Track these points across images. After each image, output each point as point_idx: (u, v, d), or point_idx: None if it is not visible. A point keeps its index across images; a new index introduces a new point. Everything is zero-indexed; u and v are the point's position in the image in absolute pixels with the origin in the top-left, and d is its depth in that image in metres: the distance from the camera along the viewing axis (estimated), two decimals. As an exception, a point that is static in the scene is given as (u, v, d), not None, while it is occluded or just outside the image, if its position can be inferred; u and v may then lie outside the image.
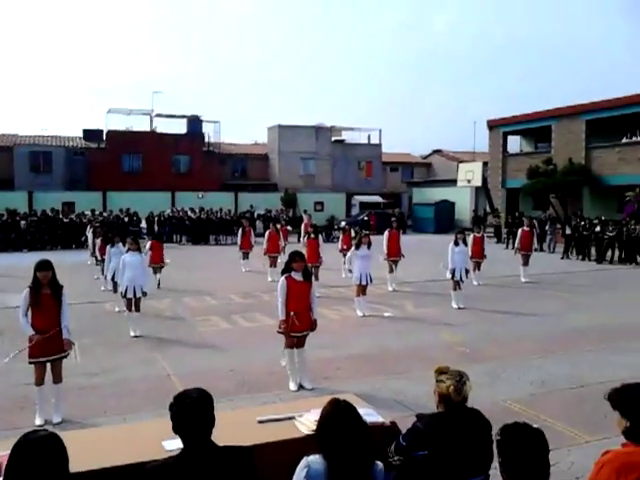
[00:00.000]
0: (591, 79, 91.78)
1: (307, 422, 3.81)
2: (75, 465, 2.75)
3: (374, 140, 45.37)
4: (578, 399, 6.74)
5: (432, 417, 3.40)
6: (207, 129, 41.08)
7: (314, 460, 2.96)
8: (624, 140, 28.89)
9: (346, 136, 45.26)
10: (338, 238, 18.95)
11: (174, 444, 3.22)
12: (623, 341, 9.38)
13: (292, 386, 7.02)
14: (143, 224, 28.63)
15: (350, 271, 12.09)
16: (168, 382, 7.21)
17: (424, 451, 3.28)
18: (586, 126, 29.79)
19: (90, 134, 39.17)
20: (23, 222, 26.79)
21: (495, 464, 2.92)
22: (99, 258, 14.85)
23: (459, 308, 12.11)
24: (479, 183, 32.94)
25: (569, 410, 6.34)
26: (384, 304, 12.56)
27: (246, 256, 18.28)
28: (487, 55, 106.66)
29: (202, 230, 30.08)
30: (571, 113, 30.39)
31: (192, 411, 2.75)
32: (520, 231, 17.11)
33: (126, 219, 28.63)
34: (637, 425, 2.75)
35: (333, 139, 43.53)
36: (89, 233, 19.24)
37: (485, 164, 34.66)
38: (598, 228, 21.77)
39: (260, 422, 3.92)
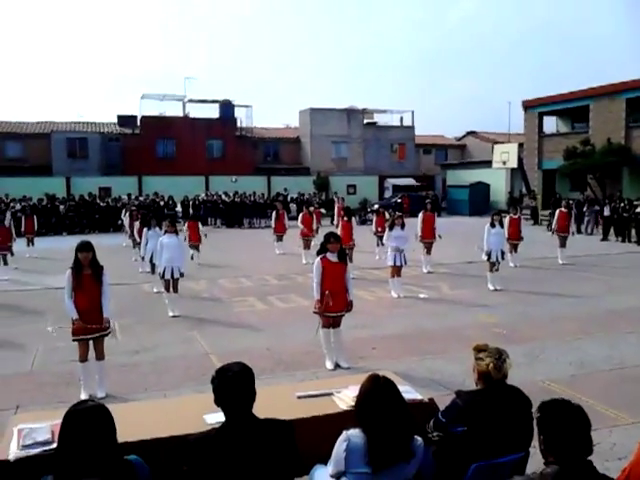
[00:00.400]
0: (628, 59, 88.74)
1: (345, 398, 3.85)
2: (120, 436, 2.84)
3: (407, 122, 44.86)
4: (619, 380, 6.63)
5: (471, 394, 3.40)
6: (239, 114, 41.19)
7: (354, 434, 2.99)
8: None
9: (378, 118, 44.85)
10: (371, 221, 18.88)
11: (215, 418, 3.29)
12: (665, 323, 9.17)
13: (329, 365, 7.07)
14: (178, 208, 29.02)
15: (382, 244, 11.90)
16: (207, 360, 7.34)
17: (463, 427, 3.29)
18: (626, 105, 28.91)
19: (124, 120, 39.64)
20: (62, 207, 27.46)
21: (535, 442, 2.92)
22: (137, 240, 15.12)
23: (495, 290, 11.98)
24: (515, 164, 32.31)
25: (610, 391, 6.24)
26: (419, 285, 12.52)
27: (280, 239, 18.41)
28: (523, 34, 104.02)
29: (236, 213, 30.35)
30: (610, 92, 29.48)
31: (234, 384, 2.80)
32: (557, 212, 16.79)
33: (161, 203, 29.04)
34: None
35: (365, 122, 43.18)
36: (125, 217, 19.56)
37: (521, 145, 33.97)
38: (639, 209, 21.19)
39: (299, 397, 3.98)
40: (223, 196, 31.23)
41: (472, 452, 3.24)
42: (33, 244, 18.76)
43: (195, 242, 15.95)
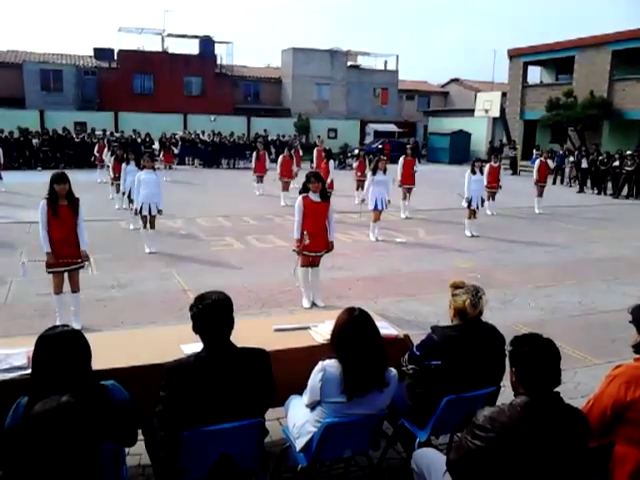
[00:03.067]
0: (617, 8, 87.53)
1: (322, 332, 3.89)
2: (96, 364, 2.84)
3: (391, 67, 44.10)
4: (587, 325, 6.83)
5: (447, 329, 3.46)
6: (219, 51, 40.10)
7: (330, 364, 3.04)
8: (651, 72, 27.90)
9: (362, 62, 43.92)
10: (351, 166, 18.78)
11: (192, 348, 3.29)
12: (635, 272, 9.39)
13: (305, 303, 7.14)
14: (156, 145, 28.47)
15: (363, 200, 11.87)
16: (184, 296, 7.34)
17: (438, 361, 3.35)
18: (611, 57, 28.70)
19: (101, 53, 38.22)
20: (35, 141, 26.73)
21: (505, 379, 3.00)
22: (112, 176, 14.87)
23: (472, 236, 12.11)
24: (497, 114, 32.15)
25: (578, 335, 6.43)
26: (397, 230, 12.59)
27: (260, 180, 18.24)
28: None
29: (215, 153, 29.88)
30: (596, 43, 29.21)
31: (213, 311, 2.81)
32: (537, 162, 16.88)
33: (139, 140, 28.44)
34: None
35: (349, 64, 42.29)
36: (107, 155, 18.98)
37: (504, 95, 33.74)
38: (617, 162, 21.37)
39: (276, 330, 4.01)
40: (202, 135, 30.65)
41: (445, 385, 3.32)
42: (1, 178, 18.26)
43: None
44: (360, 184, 16.40)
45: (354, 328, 3.03)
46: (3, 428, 2.56)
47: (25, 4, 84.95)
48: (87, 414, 2.23)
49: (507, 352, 2.71)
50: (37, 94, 33.95)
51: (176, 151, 28.08)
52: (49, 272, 6.18)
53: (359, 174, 16.38)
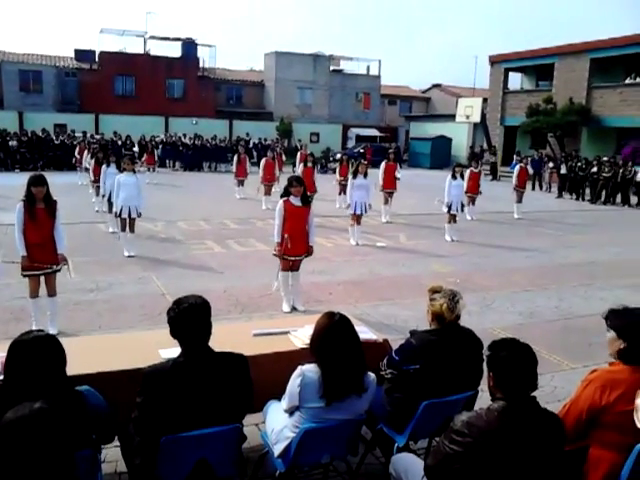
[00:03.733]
0: (597, 17, 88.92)
1: (301, 336, 3.88)
2: (71, 369, 2.80)
3: (373, 71, 44.32)
4: (564, 330, 6.90)
5: (425, 333, 3.47)
6: (202, 54, 39.96)
7: (309, 369, 3.03)
8: (627, 81, 28.37)
9: (345, 66, 44.12)
10: (333, 170, 18.81)
11: (170, 353, 3.26)
12: (611, 278, 9.51)
13: (285, 307, 7.12)
14: (136, 148, 28.26)
15: (348, 206, 11.80)
16: (162, 300, 7.28)
17: (416, 365, 3.36)
18: (590, 65, 29.15)
19: (82, 54, 37.86)
20: (13, 142, 26.38)
21: (483, 384, 3.01)
22: (92, 179, 14.72)
23: (452, 241, 12.19)
24: (478, 119, 32.47)
25: (555, 339, 6.49)
26: (377, 234, 12.62)
27: (241, 183, 18.19)
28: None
29: (196, 156, 29.74)
30: (576, 50, 29.65)
31: (190, 315, 2.79)
32: (517, 168, 17.07)
33: (119, 142, 28.22)
34: (633, 347, 2.83)
35: (331, 68, 42.45)
36: (87, 158, 18.79)
37: (485, 100, 34.10)
38: (595, 169, 21.68)
39: (255, 335, 3.99)
40: (183, 138, 30.49)
41: (423, 390, 3.33)
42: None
43: None
44: (342, 188, 16.45)
45: (334, 333, 3.03)
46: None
47: (4, 3, 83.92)
48: (61, 420, 2.19)
49: (485, 356, 2.72)
50: (16, 95, 33.58)
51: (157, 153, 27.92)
52: (24, 276, 6.08)
53: (341, 178, 16.41)
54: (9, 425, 2.09)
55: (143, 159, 24.36)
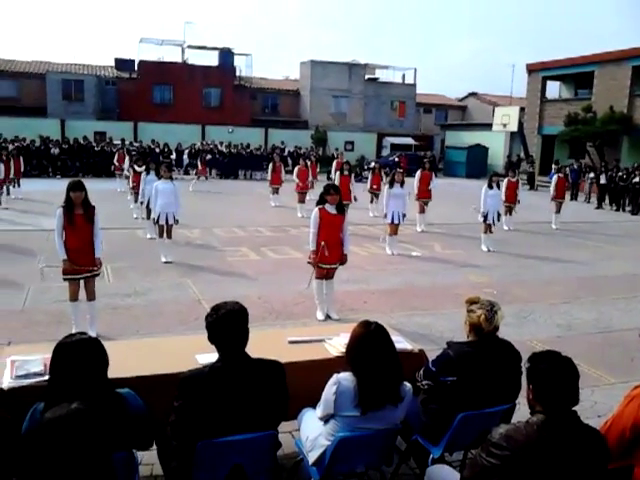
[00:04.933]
0: (631, 28, 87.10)
1: (336, 345, 3.88)
2: (109, 372, 2.84)
3: (409, 80, 44.15)
4: (605, 343, 6.73)
5: (463, 345, 3.43)
6: (239, 63, 40.40)
7: (344, 377, 3.03)
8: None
9: (380, 75, 44.05)
10: (367, 178, 18.77)
11: (207, 358, 3.30)
12: (654, 291, 9.26)
13: (319, 315, 7.13)
14: (173, 155, 28.74)
15: (386, 216, 11.61)
16: (198, 306, 7.37)
17: (453, 377, 3.32)
18: (632, 72, 28.54)
19: (122, 64, 38.76)
20: (55, 149, 27.12)
21: (521, 397, 2.96)
22: (131, 186, 15.00)
23: (488, 251, 12.03)
24: (515, 128, 32.03)
25: (595, 353, 6.34)
26: (412, 244, 12.54)
27: (276, 191, 18.31)
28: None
29: (232, 164, 30.08)
30: (617, 58, 29.05)
31: (228, 321, 2.82)
32: (555, 178, 16.76)
33: (157, 150, 28.74)
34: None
35: (366, 77, 42.43)
36: (127, 164, 19.28)
37: (522, 109, 33.64)
38: (637, 179, 21.15)
39: (290, 342, 4.01)
40: (219, 146, 30.87)
41: (460, 402, 3.29)
42: (19, 185, 18.65)
43: None
44: (374, 197, 16.42)
45: (370, 342, 3.02)
46: (20, 434, 2.58)
47: (49, 15, 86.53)
48: (98, 421, 2.23)
49: (524, 369, 2.68)
50: (59, 103, 34.46)
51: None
52: (65, 279, 6.23)
53: (374, 187, 16.40)
54: (47, 424, 2.14)
55: (197, 169, 25.41)
